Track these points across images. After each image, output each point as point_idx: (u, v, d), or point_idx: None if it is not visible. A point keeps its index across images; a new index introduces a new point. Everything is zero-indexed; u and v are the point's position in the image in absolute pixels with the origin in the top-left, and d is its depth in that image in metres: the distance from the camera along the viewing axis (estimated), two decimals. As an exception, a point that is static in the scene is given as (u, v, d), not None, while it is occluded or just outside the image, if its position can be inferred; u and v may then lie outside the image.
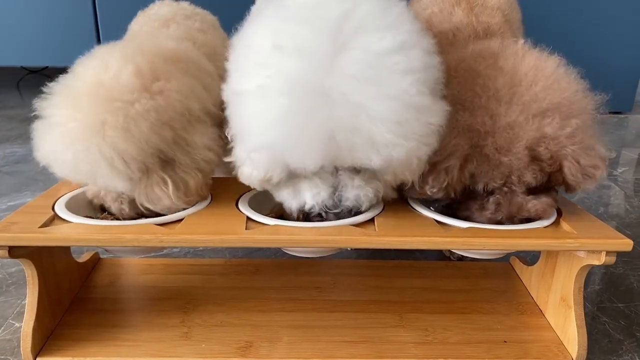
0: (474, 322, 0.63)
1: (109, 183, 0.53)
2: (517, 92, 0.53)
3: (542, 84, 0.53)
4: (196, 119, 0.56)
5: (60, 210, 0.55)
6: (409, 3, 0.81)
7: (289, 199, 0.53)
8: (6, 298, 0.68)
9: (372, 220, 0.55)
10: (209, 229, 0.52)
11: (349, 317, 0.63)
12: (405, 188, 0.55)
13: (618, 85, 1.91)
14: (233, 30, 0.54)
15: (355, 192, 0.52)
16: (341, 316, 0.63)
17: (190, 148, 0.55)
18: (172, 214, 0.55)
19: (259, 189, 0.55)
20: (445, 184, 0.54)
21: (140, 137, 0.50)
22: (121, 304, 0.65)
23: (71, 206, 0.57)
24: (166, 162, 0.54)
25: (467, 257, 0.74)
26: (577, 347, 0.56)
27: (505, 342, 0.59)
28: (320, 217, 0.54)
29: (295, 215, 0.54)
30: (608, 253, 0.52)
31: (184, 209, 0.56)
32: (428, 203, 0.60)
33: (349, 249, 0.79)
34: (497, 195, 0.55)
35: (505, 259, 0.76)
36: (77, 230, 0.51)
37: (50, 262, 0.57)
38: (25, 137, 1.44)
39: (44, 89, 0.53)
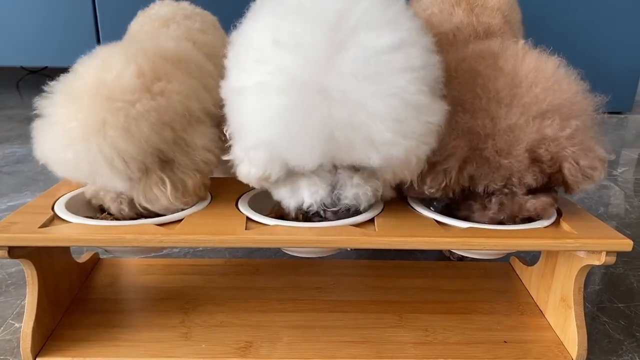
0: (474, 322, 0.63)
1: (109, 183, 0.53)
2: (518, 93, 0.53)
3: (542, 86, 0.53)
4: (196, 119, 0.56)
5: (60, 210, 0.55)
6: (409, 3, 0.81)
7: (287, 197, 0.53)
8: (6, 298, 0.68)
9: (372, 221, 0.55)
10: (209, 229, 0.52)
11: (349, 317, 0.63)
12: (404, 187, 0.55)
13: (618, 85, 1.91)
14: (232, 29, 0.54)
15: (353, 190, 0.52)
16: (341, 316, 0.63)
17: (190, 149, 0.55)
18: (170, 214, 0.55)
19: (257, 187, 0.55)
20: (443, 184, 0.54)
21: (140, 137, 0.50)
22: (121, 304, 0.65)
23: (71, 206, 0.57)
24: (165, 163, 0.54)
25: (467, 257, 0.74)
26: (577, 347, 0.56)
27: (505, 342, 0.59)
28: (320, 217, 0.53)
29: (294, 214, 0.54)
30: (608, 253, 0.52)
31: (182, 209, 0.56)
32: (428, 203, 0.61)
33: (349, 249, 0.79)
34: (500, 195, 0.55)
35: (505, 259, 0.76)
36: (77, 231, 0.51)
37: (49, 262, 0.57)
38: (25, 137, 1.44)
39: (45, 88, 0.53)
